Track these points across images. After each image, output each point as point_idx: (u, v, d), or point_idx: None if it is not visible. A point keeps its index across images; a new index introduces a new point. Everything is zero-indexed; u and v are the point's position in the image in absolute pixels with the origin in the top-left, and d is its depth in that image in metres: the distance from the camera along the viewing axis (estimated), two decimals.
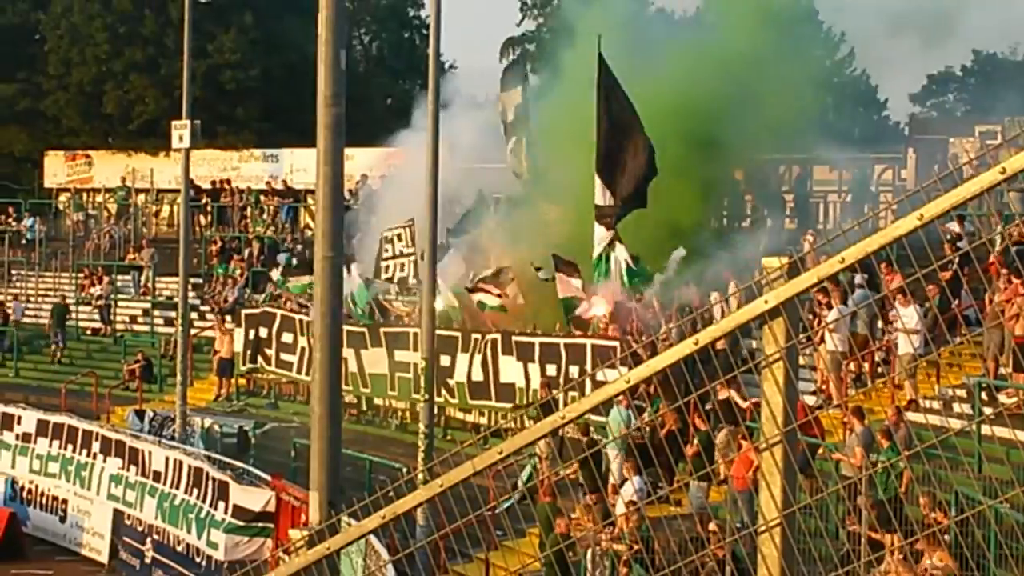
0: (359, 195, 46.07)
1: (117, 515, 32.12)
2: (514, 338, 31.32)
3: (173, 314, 41.07)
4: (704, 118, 34.89)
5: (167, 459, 30.79)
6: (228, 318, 41.69)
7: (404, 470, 22.50)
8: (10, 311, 49.18)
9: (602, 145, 32.43)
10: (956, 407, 25.11)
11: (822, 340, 25.87)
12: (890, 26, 45.87)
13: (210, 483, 28.89)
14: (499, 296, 33.49)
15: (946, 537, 18.09)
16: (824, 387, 26.59)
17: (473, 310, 33.98)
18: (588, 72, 33.39)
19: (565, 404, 7.15)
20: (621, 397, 21.46)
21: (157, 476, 30.84)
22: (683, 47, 37.84)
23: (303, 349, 36.31)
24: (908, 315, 25.33)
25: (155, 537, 30.62)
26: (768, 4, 39.54)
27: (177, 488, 30.06)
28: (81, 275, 50.55)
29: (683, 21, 42.25)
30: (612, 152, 32.51)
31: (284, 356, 38.19)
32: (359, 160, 46.78)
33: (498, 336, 31.60)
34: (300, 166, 52.13)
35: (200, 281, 45.54)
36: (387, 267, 36.53)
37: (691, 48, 37.53)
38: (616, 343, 28.93)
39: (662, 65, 36.57)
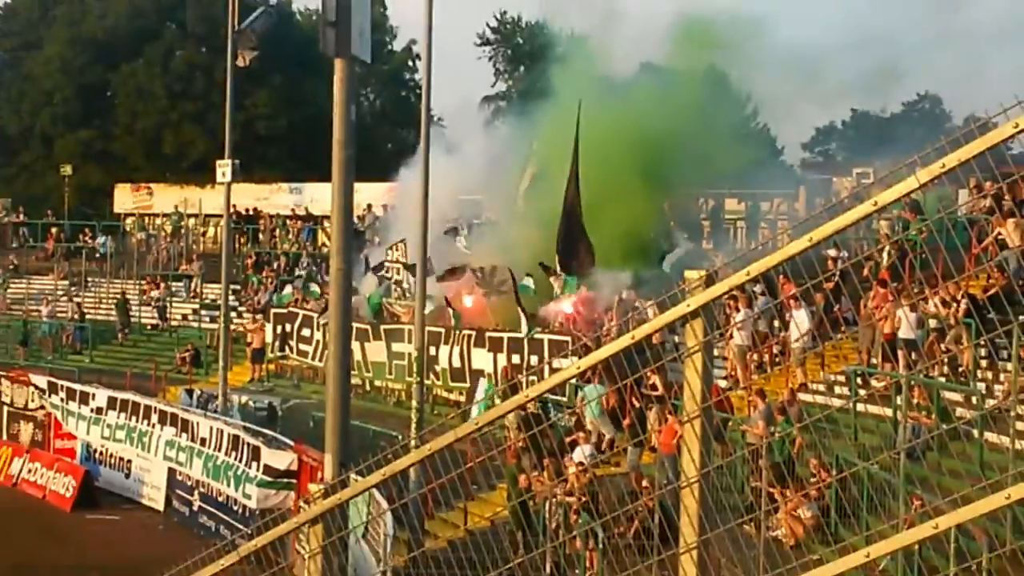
0: (365, 220, 46.08)
1: (171, 472, 32.02)
2: (487, 334, 31.35)
3: (216, 313, 40.94)
4: (652, 155, 34.89)
5: (211, 428, 30.72)
6: (260, 316, 41.69)
7: (399, 438, 22.46)
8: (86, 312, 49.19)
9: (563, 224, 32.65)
10: (837, 389, 25.21)
11: (731, 336, 25.95)
12: (788, 89, 45.90)
13: (245, 447, 28.84)
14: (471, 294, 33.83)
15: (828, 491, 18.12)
16: (733, 373, 26.66)
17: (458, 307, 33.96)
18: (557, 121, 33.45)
19: (527, 386, 7.14)
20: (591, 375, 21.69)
21: (203, 441, 30.77)
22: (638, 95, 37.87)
23: (318, 342, 36.36)
24: (800, 317, 25.43)
25: (201, 490, 30.54)
26: (692, 71, 39.64)
27: (219, 451, 30.00)
28: (143, 282, 50.46)
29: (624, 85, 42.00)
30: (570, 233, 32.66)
31: (303, 347, 38.24)
32: (365, 193, 46.76)
33: (473, 332, 31.63)
34: (318, 197, 52.06)
35: (238, 287, 45.41)
36: (387, 269, 36.75)
37: (642, 97, 37.55)
38: (569, 337, 28.96)
39: (620, 108, 36.53)
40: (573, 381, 19.74)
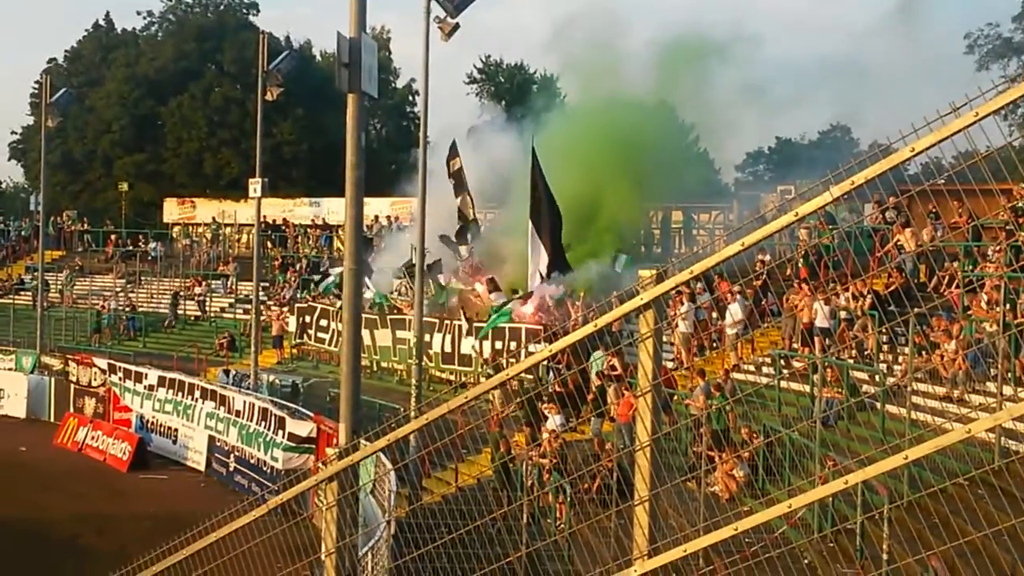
0: (373, 229, 46.02)
1: (211, 439, 31.92)
2: (473, 324, 31.30)
3: (249, 306, 40.87)
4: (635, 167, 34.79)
5: (244, 402, 30.64)
6: (284, 309, 41.62)
7: (401, 410, 22.45)
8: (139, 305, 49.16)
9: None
10: (764, 369, 25.27)
11: (677, 325, 25.99)
12: (724, 121, 45.65)
13: (272, 418, 28.76)
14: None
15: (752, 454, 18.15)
16: (678, 355, 26.69)
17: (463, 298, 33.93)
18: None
19: (508, 365, 7.14)
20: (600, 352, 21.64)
21: (238, 413, 30.68)
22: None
23: (334, 330, 36.31)
24: (734, 308, 25.50)
25: (236, 454, 30.45)
26: (643, 103, 39.42)
27: (251, 421, 29.92)
28: (188, 280, 50.33)
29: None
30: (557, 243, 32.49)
31: (320, 335, 38.16)
32: (373, 206, 46.84)
33: (462, 322, 31.58)
34: (334, 209, 52.08)
35: (267, 284, 45.31)
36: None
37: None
38: (541, 326, 28.92)
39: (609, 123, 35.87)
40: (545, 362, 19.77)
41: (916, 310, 18.88)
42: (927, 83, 62.61)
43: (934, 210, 23.80)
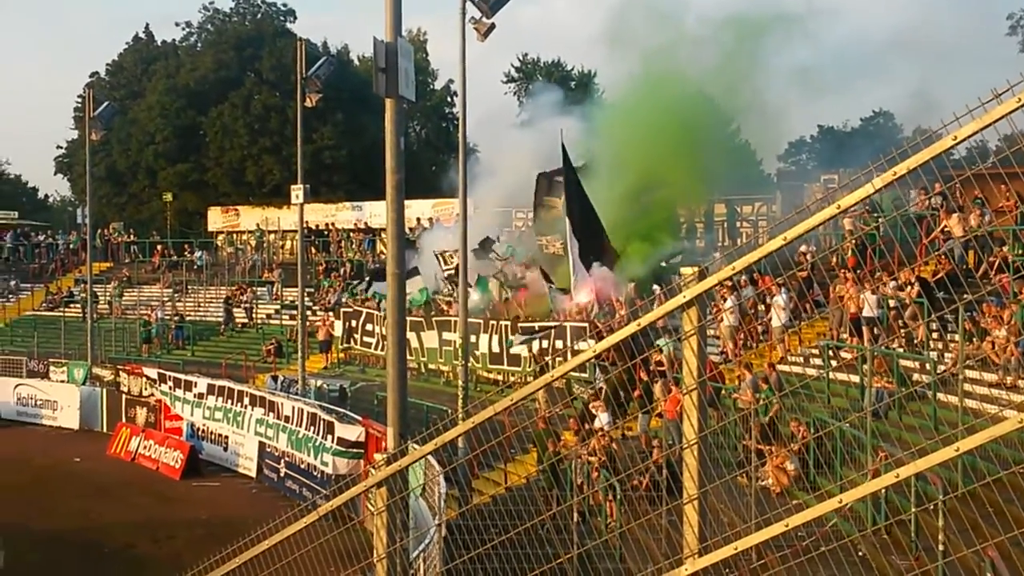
0: (415, 232, 46.16)
1: (261, 445, 32.16)
2: (519, 324, 31.28)
3: (295, 312, 41.11)
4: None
5: (293, 407, 30.83)
6: (330, 314, 41.81)
7: (448, 412, 22.48)
8: (187, 314, 49.60)
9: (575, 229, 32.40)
10: (812, 361, 25.09)
11: (722, 319, 25.87)
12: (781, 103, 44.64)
13: (321, 423, 28.91)
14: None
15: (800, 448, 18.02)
16: (724, 350, 26.57)
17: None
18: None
19: (554, 366, 7.13)
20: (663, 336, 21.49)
21: (287, 419, 30.88)
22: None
23: (379, 334, 36.42)
24: (778, 301, 25.35)
25: (286, 459, 30.65)
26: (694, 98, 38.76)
27: (300, 426, 30.09)
28: (234, 288, 50.69)
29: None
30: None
31: (367, 339, 38.30)
32: (414, 208, 47.07)
33: (508, 322, 31.57)
34: (376, 213, 52.41)
35: (312, 290, 45.55)
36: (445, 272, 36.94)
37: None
38: (587, 324, 28.87)
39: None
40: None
41: (966, 297, 18.67)
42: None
43: (978, 197, 23.52)
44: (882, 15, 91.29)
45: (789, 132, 66.39)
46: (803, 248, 21.85)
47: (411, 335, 32.27)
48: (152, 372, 38.32)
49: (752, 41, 37.66)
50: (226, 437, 33.84)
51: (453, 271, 35.29)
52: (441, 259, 37.10)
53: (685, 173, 34.11)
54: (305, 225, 39.35)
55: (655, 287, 24.20)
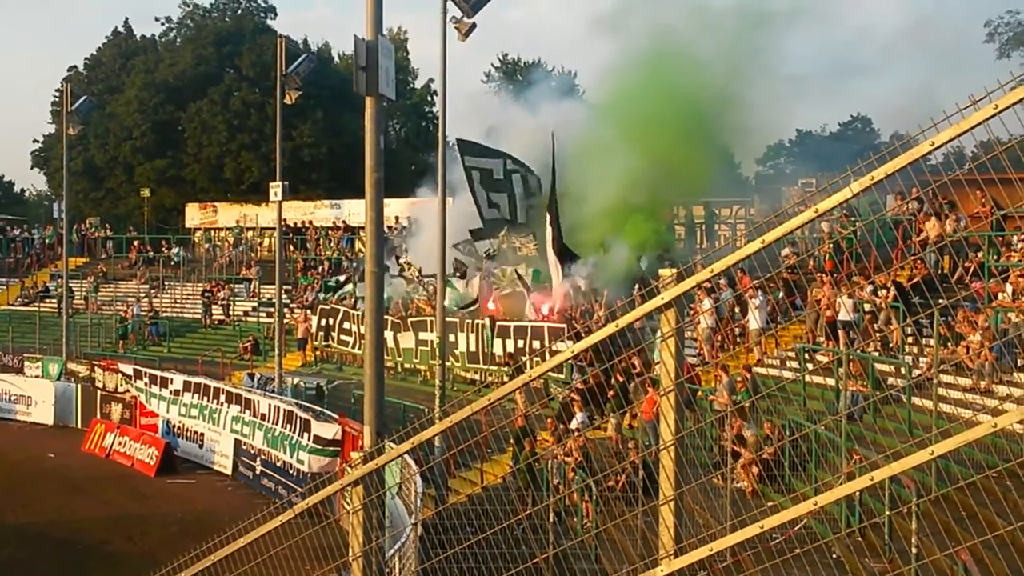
0: (393, 230, 46.08)
1: (237, 443, 32.07)
2: (497, 322, 31.27)
3: (272, 309, 41.04)
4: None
5: (269, 405, 30.74)
6: (308, 311, 41.72)
7: (425, 411, 22.47)
8: (163, 311, 49.38)
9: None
10: (788, 363, 25.18)
11: (699, 321, 25.91)
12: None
13: (298, 420, 28.84)
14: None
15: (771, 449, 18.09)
16: (701, 352, 26.63)
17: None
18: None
19: (531, 366, 7.14)
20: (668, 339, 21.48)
21: (263, 416, 30.80)
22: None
23: (356, 333, 36.35)
24: (756, 303, 25.42)
25: (262, 457, 30.58)
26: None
27: (276, 424, 30.02)
28: (210, 284, 50.49)
29: None
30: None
31: (344, 337, 38.20)
32: (393, 207, 46.94)
33: (486, 321, 31.57)
34: (354, 211, 52.32)
35: (289, 287, 45.43)
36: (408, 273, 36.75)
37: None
38: (564, 325, 28.89)
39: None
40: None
41: (941, 302, 18.77)
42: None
43: (947, 200, 23.65)
44: (882, 16, 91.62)
45: (769, 135, 66.64)
46: (786, 251, 21.96)
47: (387, 335, 32.18)
48: (128, 368, 38.16)
49: (752, 33, 37.39)
50: (202, 434, 33.73)
51: (419, 274, 35.43)
52: (403, 265, 36.89)
53: (691, 160, 33.76)
54: (283, 222, 39.28)
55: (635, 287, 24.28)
